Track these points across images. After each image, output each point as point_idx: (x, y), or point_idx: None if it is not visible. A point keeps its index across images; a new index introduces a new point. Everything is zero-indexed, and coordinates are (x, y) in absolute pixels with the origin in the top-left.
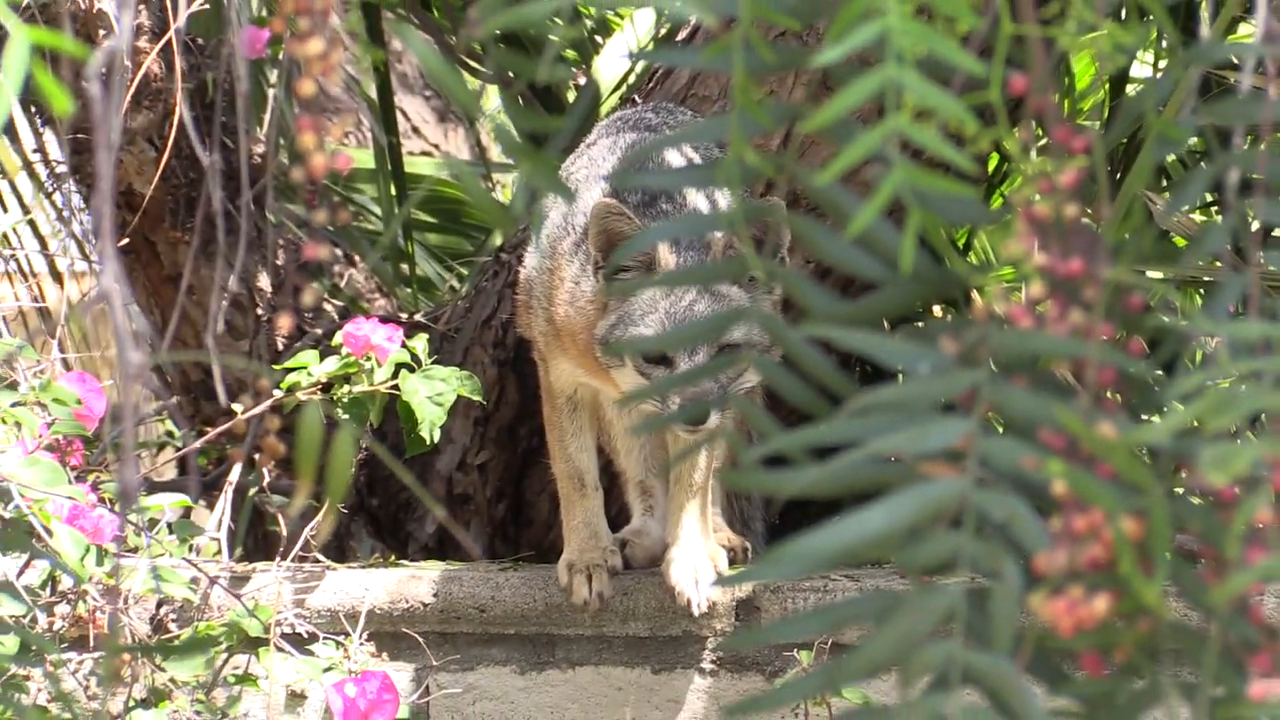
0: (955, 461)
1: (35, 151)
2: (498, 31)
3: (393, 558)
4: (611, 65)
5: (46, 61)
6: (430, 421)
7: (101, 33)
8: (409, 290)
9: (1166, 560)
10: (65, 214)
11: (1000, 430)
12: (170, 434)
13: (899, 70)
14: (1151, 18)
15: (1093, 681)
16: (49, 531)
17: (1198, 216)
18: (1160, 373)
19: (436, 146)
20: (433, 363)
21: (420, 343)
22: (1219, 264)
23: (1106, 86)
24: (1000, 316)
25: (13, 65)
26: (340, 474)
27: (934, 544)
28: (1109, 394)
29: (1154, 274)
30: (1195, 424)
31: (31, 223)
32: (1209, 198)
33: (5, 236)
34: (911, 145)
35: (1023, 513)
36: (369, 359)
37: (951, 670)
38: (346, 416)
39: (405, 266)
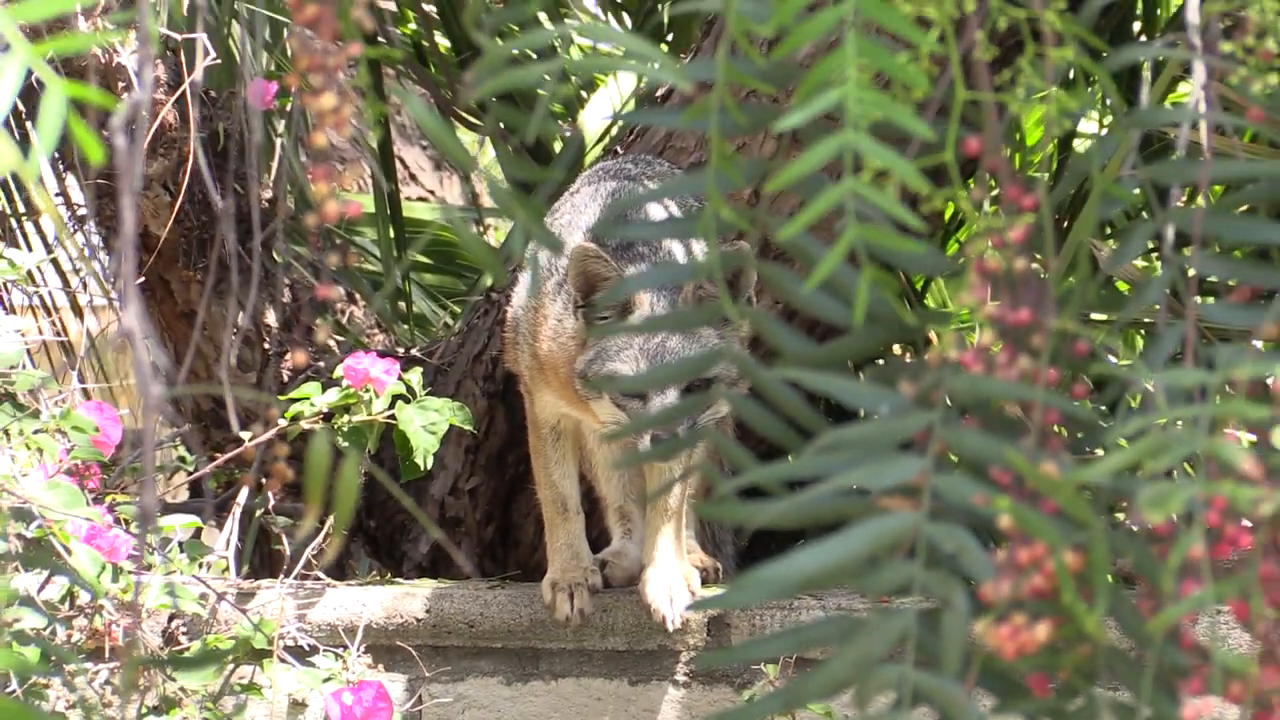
0: (911, 496)
1: (57, 194)
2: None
3: (389, 576)
4: (596, 119)
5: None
6: (424, 449)
7: (120, 84)
8: (406, 326)
9: (1107, 590)
10: (86, 253)
11: (955, 466)
12: (183, 459)
13: (855, 135)
14: (1096, 83)
15: (1038, 700)
16: (68, 550)
17: (1141, 263)
18: (1104, 412)
19: (432, 192)
20: (427, 394)
21: (415, 375)
22: (1158, 308)
23: (1055, 143)
24: (954, 361)
25: (49, 116)
26: (347, 499)
27: (890, 572)
28: (1057, 431)
29: (1100, 317)
30: (1134, 465)
31: (54, 260)
32: (1151, 245)
33: (30, 274)
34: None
35: (970, 545)
36: (368, 391)
37: (903, 690)
38: (348, 444)
39: (403, 304)
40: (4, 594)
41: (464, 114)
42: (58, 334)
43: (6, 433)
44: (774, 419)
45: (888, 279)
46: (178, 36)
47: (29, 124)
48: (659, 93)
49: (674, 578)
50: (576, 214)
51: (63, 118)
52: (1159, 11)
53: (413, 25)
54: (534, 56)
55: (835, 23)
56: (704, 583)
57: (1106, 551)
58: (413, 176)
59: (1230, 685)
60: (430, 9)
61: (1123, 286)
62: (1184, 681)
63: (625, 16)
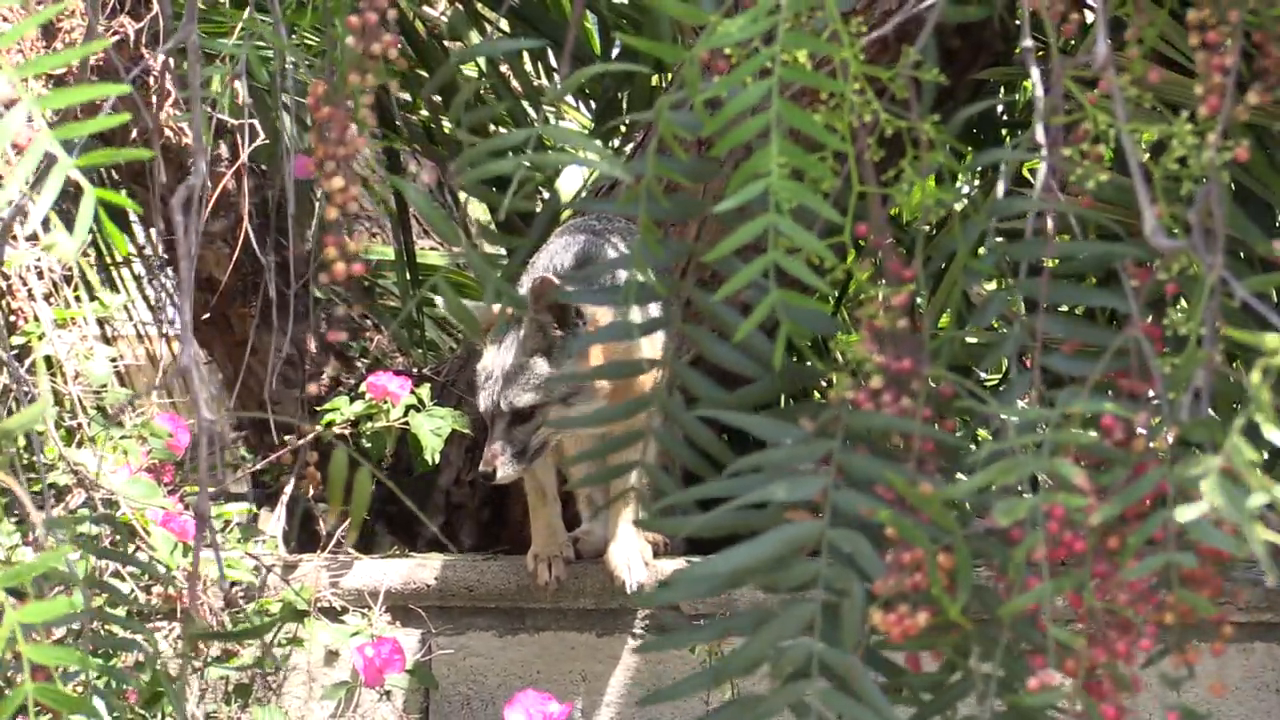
0: (811, 510)
1: (142, 247)
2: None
3: (405, 550)
4: (568, 185)
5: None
6: (432, 449)
7: (189, 160)
8: (419, 350)
9: (968, 585)
10: (162, 294)
11: (848, 485)
12: (243, 456)
13: (777, 217)
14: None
15: (919, 675)
16: (147, 532)
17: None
18: (967, 443)
19: (441, 244)
20: (434, 405)
21: (425, 390)
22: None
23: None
24: (850, 401)
25: (83, 216)
26: (361, 503)
27: (799, 569)
28: (931, 456)
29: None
30: (991, 484)
31: (144, 295)
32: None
33: (125, 307)
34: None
35: (865, 547)
36: (386, 402)
37: (812, 662)
38: (372, 448)
39: (417, 333)
40: (61, 605)
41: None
42: (149, 356)
43: (96, 439)
44: (690, 450)
45: (802, 330)
46: (235, 121)
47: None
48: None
49: (631, 551)
50: (549, 259)
51: (92, 216)
52: (1018, 97)
53: (423, 111)
54: (512, 152)
55: (761, 128)
56: (655, 554)
57: (968, 556)
58: (426, 232)
59: (1065, 661)
60: (437, 99)
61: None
62: (1033, 656)
63: (591, 103)
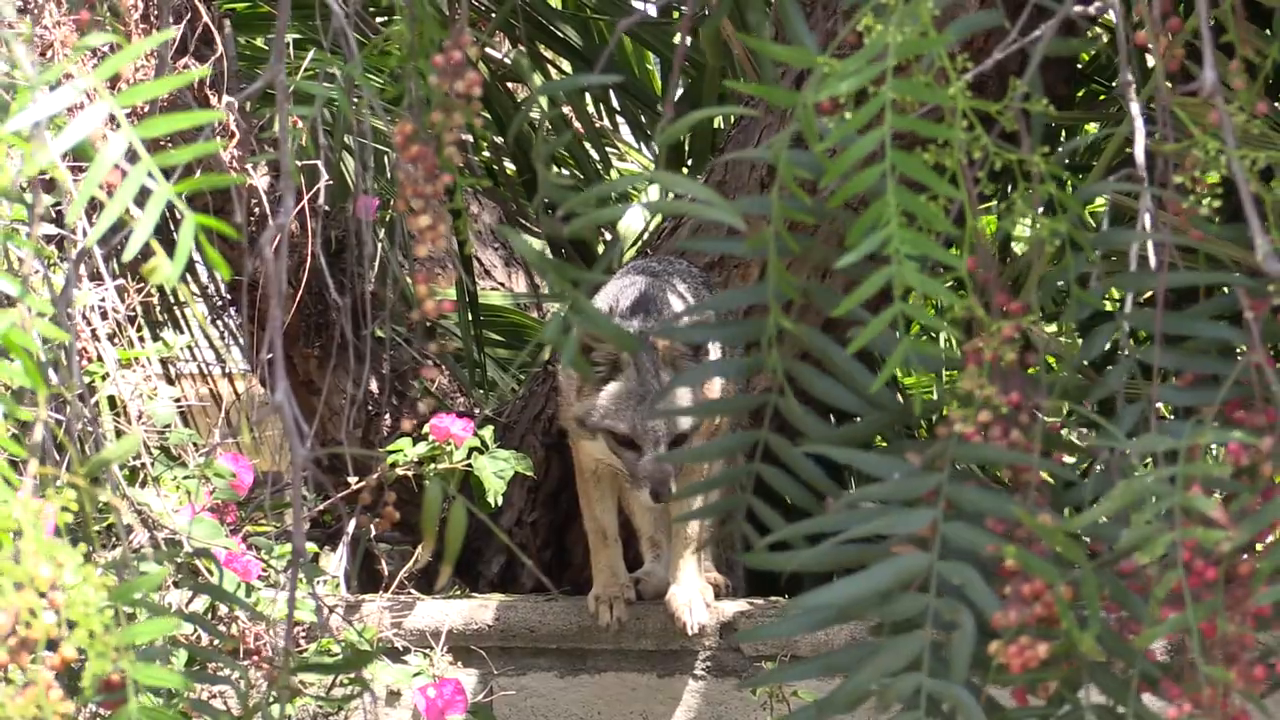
0: (919, 544)
1: (205, 287)
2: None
3: (466, 591)
4: (632, 223)
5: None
6: (495, 490)
7: (254, 201)
8: (481, 391)
9: (1097, 617)
10: (226, 334)
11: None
12: (305, 497)
13: (900, 268)
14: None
15: (1024, 710)
16: (210, 572)
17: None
18: (1077, 478)
19: (502, 284)
20: (497, 446)
21: (488, 431)
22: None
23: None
24: (958, 434)
25: (184, 240)
26: (455, 537)
27: (908, 602)
28: (1042, 491)
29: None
30: (1107, 516)
31: (206, 336)
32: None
33: (189, 347)
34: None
35: (975, 579)
36: (449, 444)
37: (920, 695)
38: (452, 491)
39: (479, 373)
40: (170, 623)
41: (526, 224)
42: (212, 395)
43: (159, 479)
44: (799, 487)
45: (923, 372)
46: (300, 163)
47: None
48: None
49: (693, 593)
50: (607, 298)
51: (193, 240)
52: (1078, 138)
53: (486, 153)
54: (614, 181)
55: (877, 178)
56: (717, 597)
57: (1096, 586)
58: (487, 272)
59: (1203, 691)
60: (500, 140)
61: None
62: (1156, 687)
63: (654, 145)
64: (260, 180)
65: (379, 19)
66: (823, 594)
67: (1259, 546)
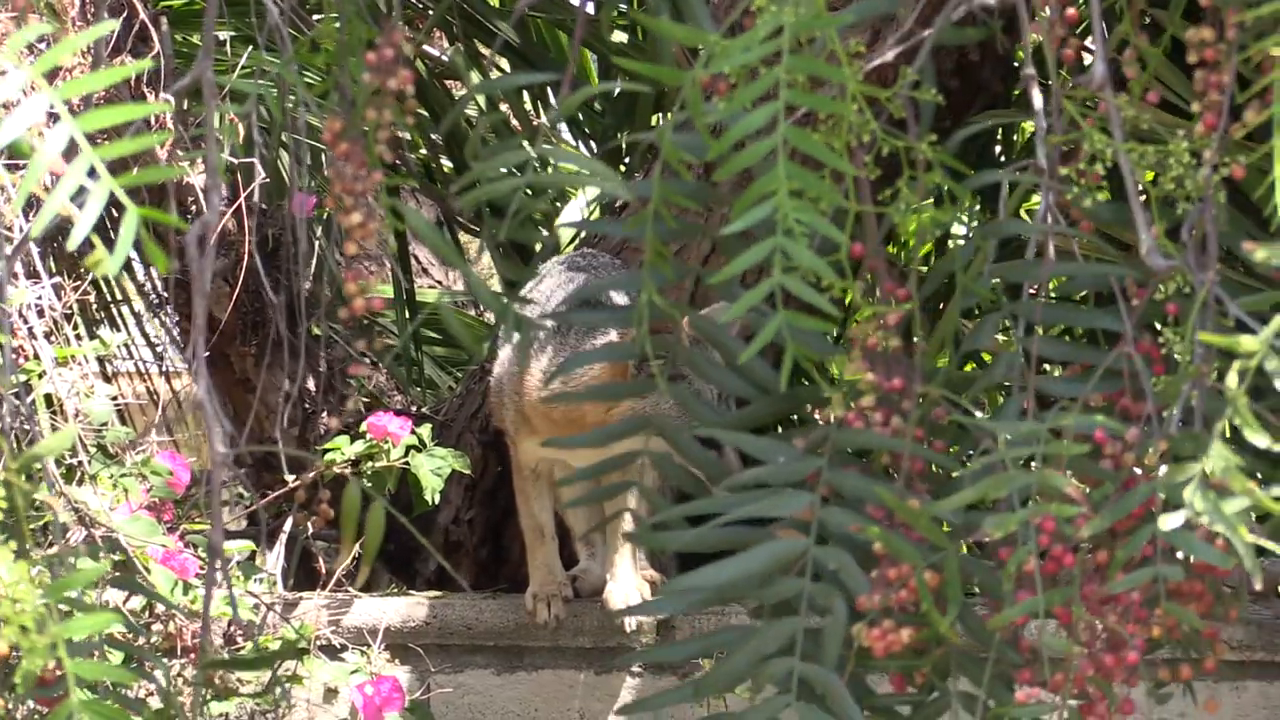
0: (800, 528)
1: (142, 285)
2: (485, 202)
3: (404, 589)
4: (563, 224)
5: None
6: (432, 488)
7: (190, 199)
8: (418, 389)
9: (958, 601)
10: (164, 332)
11: (836, 502)
12: (241, 495)
13: (785, 240)
14: (959, 200)
15: (895, 696)
16: (147, 570)
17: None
18: (960, 464)
19: (440, 282)
20: (435, 444)
21: (425, 430)
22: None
23: (931, 244)
24: (841, 419)
25: (126, 232)
26: (375, 536)
27: (785, 585)
28: (921, 476)
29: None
30: (980, 502)
31: (144, 333)
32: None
33: (128, 345)
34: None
35: (850, 564)
36: (387, 442)
37: (791, 679)
38: (372, 487)
39: (416, 371)
40: (106, 619)
41: (464, 222)
42: (149, 393)
43: (96, 477)
44: (685, 471)
45: (806, 351)
46: (235, 160)
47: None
48: (618, 204)
49: (630, 589)
50: (548, 295)
51: (135, 233)
52: (1015, 137)
53: (423, 150)
54: (517, 173)
55: (767, 151)
56: (653, 593)
57: (958, 570)
58: (425, 270)
59: (1052, 677)
60: (436, 138)
61: (986, 356)
62: (1017, 674)
63: (592, 143)
64: (197, 178)
65: (316, 16)
66: (700, 576)
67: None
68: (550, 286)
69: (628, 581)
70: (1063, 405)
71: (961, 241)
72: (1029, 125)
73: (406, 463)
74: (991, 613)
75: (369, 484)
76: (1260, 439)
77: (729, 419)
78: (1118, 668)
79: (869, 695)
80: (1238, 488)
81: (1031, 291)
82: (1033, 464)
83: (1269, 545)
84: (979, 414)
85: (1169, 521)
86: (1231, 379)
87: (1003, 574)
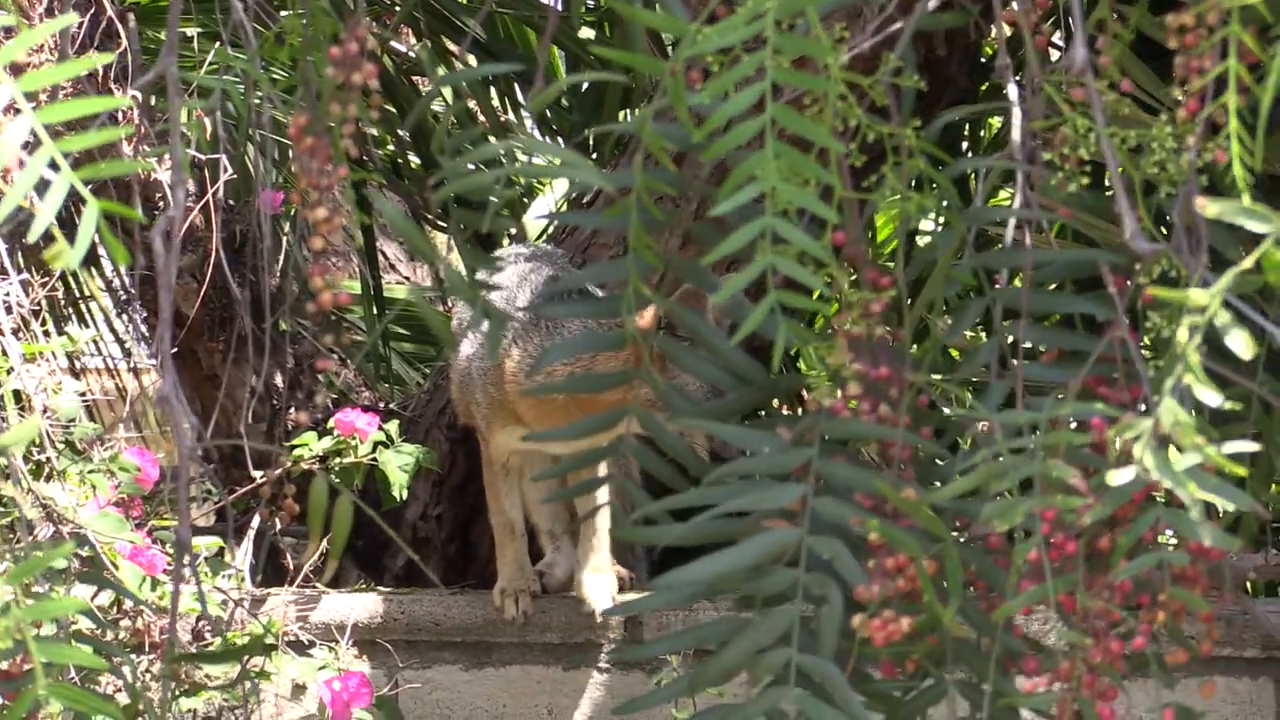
0: (790, 519)
1: (110, 281)
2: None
3: (372, 585)
4: (537, 219)
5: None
6: (400, 484)
7: (158, 195)
8: (386, 385)
9: (959, 591)
10: (131, 329)
11: (825, 493)
12: (209, 491)
13: (775, 220)
14: (938, 187)
15: (890, 682)
16: (115, 566)
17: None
18: (945, 453)
19: (407, 278)
20: (402, 440)
21: (393, 426)
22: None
23: (896, 240)
24: (827, 408)
25: (86, 226)
26: (342, 530)
27: (778, 576)
28: (908, 465)
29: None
30: (974, 489)
31: (112, 329)
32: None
33: (95, 342)
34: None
35: (844, 553)
36: (354, 438)
37: (789, 670)
38: (340, 483)
39: (384, 367)
40: (72, 605)
41: (432, 217)
42: (118, 389)
43: (64, 473)
44: (666, 463)
45: (800, 332)
46: (203, 156)
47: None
48: (586, 198)
49: (601, 581)
50: (519, 285)
51: (95, 227)
52: (982, 131)
53: (390, 146)
54: (485, 168)
55: (755, 131)
56: (621, 589)
57: (958, 560)
58: (392, 266)
59: (1059, 665)
60: (404, 134)
61: (953, 352)
62: (1019, 663)
63: (560, 140)
64: (163, 174)
65: (282, 11)
66: (691, 570)
67: None
68: (514, 276)
69: (599, 574)
70: (1058, 395)
71: (929, 234)
72: (995, 121)
73: (374, 459)
74: (983, 599)
75: (336, 480)
76: (1211, 396)
77: (707, 409)
78: (1121, 654)
79: (866, 682)
80: (1187, 443)
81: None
82: (1028, 453)
83: (1220, 502)
84: (955, 401)
85: (1118, 478)
86: (1181, 333)
87: (1012, 565)
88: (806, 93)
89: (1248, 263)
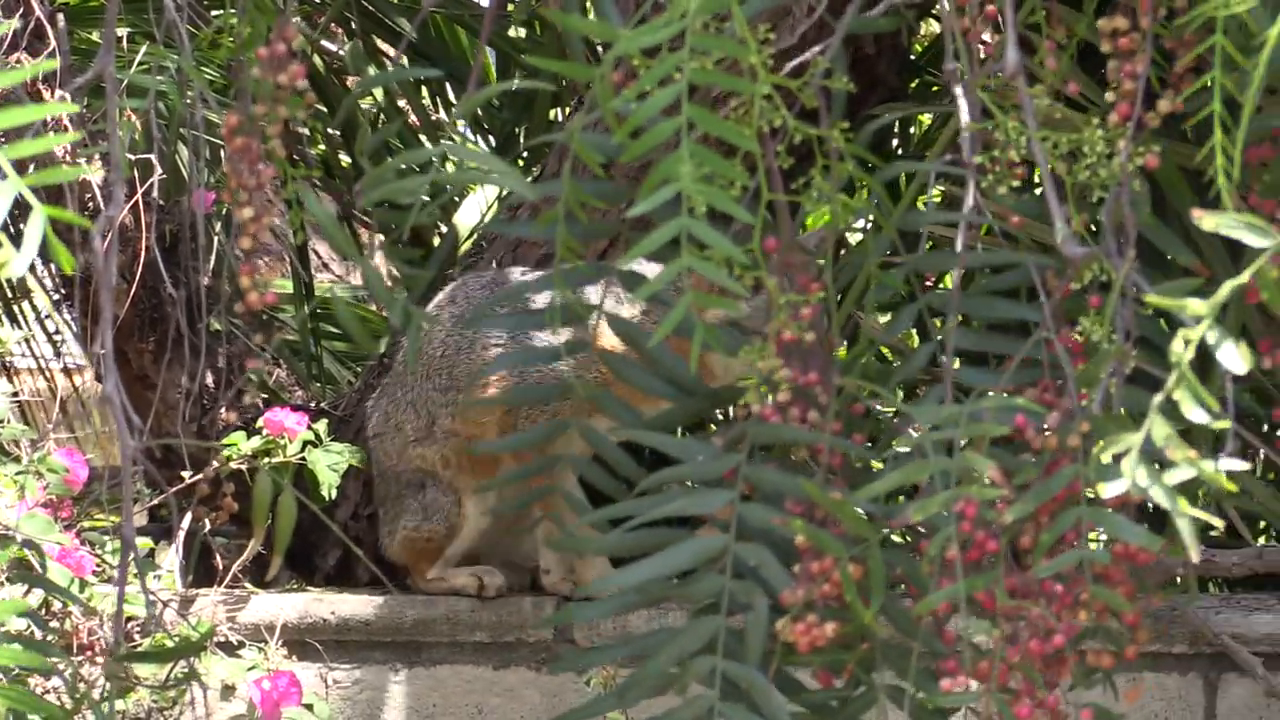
0: (727, 526)
1: (41, 282)
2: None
3: (302, 584)
4: (468, 217)
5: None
6: (329, 484)
7: (88, 196)
8: (318, 384)
9: (881, 592)
10: (65, 327)
11: (756, 499)
12: (140, 491)
13: (690, 220)
14: (869, 190)
15: (823, 691)
16: (44, 567)
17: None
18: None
19: (340, 277)
20: (332, 440)
21: (323, 425)
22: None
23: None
24: (757, 415)
25: (33, 232)
26: (285, 526)
27: (706, 583)
28: (839, 471)
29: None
30: (900, 491)
31: (45, 329)
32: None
33: (26, 340)
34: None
35: (770, 560)
36: (284, 438)
37: (715, 678)
38: (281, 482)
39: (315, 366)
40: (14, 606)
41: (362, 216)
42: (50, 390)
43: None
44: (605, 472)
45: (717, 337)
46: (134, 156)
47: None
48: (519, 204)
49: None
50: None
51: (42, 233)
52: (913, 130)
53: (322, 145)
54: (416, 170)
55: (671, 132)
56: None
57: (881, 562)
58: (325, 265)
59: (978, 665)
60: (335, 133)
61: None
62: (942, 664)
63: (490, 138)
64: (95, 175)
65: (214, 11)
66: (621, 576)
67: None
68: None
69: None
70: (980, 393)
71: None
72: (925, 119)
73: (304, 458)
74: (914, 602)
75: (279, 478)
76: (1200, 414)
77: (649, 420)
78: (1043, 654)
79: (799, 690)
80: (1179, 458)
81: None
82: (953, 450)
83: (1208, 518)
84: (886, 406)
85: (1109, 490)
86: (1177, 345)
87: (924, 558)
88: (733, 94)
89: (1244, 277)
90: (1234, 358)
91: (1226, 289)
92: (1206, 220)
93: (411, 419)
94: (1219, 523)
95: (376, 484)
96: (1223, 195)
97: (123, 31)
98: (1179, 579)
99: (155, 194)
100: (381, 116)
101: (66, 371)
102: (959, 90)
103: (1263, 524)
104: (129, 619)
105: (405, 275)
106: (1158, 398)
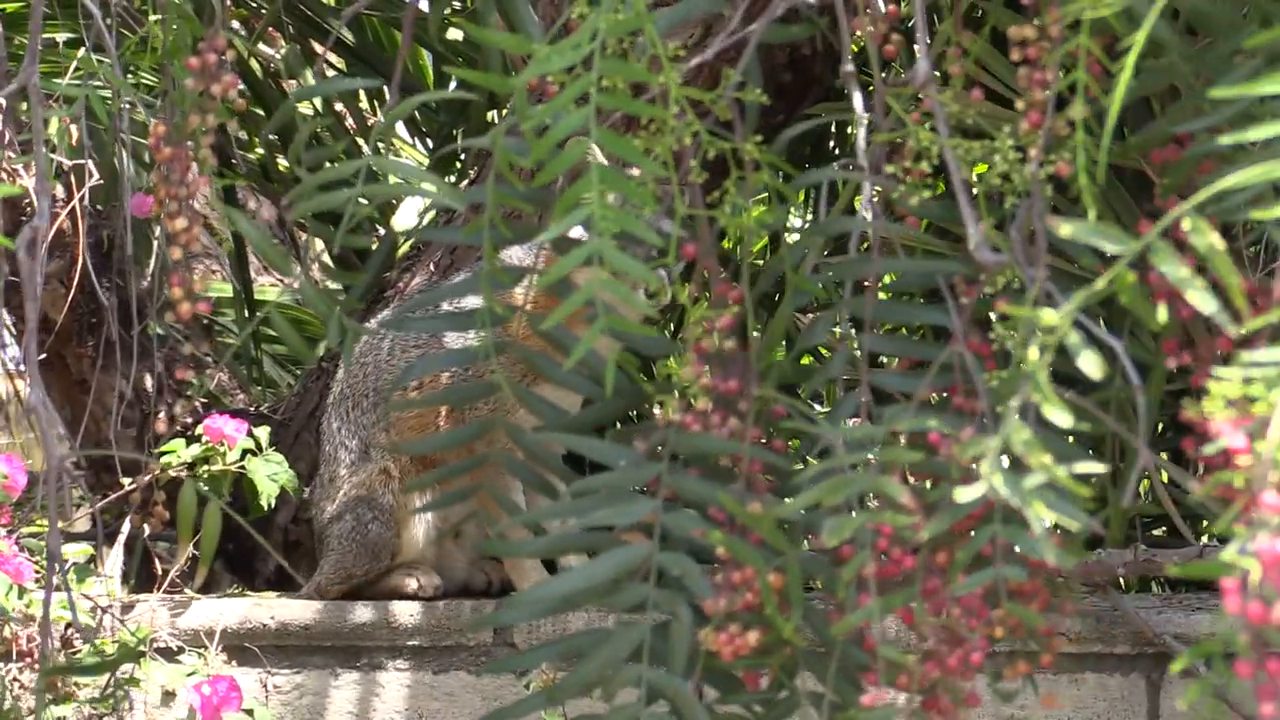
0: (646, 532)
1: None
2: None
3: (243, 589)
4: (405, 220)
5: None
6: (268, 493)
7: (25, 202)
8: (259, 388)
9: (800, 603)
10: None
11: (681, 506)
12: (82, 498)
13: (602, 243)
14: (786, 200)
15: (751, 692)
16: None
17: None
18: (800, 463)
19: (281, 280)
20: (273, 445)
21: (263, 432)
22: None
23: (765, 241)
24: (678, 423)
25: None
26: (211, 538)
27: (630, 592)
28: (762, 478)
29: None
30: (820, 503)
31: None
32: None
33: None
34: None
35: (693, 569)
36: (223, 445)
37: (640, 685)
38: (210, 491)
39: (256, 370)
40: None
41: (303, 222)
42: None
43: None
44: (531, 473)
45: (629, 357)
46: (69, 162)
47: None
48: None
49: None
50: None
51: None
52: (850, 129)
53: (260, 150)
54: (348, 181)
55: (581, 154)
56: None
57: (799, 573)
58: (265, 268)
59: (898, 676)
60: (273, 138)
61: (824, 351)
62: (863, 674)
63: (429, 141)
64: (30, 181)
65: (152, 16)
66: (549, 585)
67: None
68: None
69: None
70: (899, 400)
71: (795, 238)
72: None
73: (243, 467)
74: (833, 608)
75: (205, 488)
76: (1061, 417)
77: (573, 419)
78: (961, 667)
79: (737, 689)
80: (1035, 463)
81: (863, 287)
82: (865, 467)
83: (1065, 522)
84: (818, 408)
85: (965, 495)
86: (1032, 352)
87: (840, 578)
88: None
89: (1100, 283)
90: (1091, 364)
91: (1078, 297)
92: (1062, 228)
93: (345, 457)
94: (1075, 525)
95: (317, 544)
96: (1085, 197)
97: (60, 37)
98: (1120, 580)
99: (90, 199)
100: (319, 120)
101: (8, 375)
102: (856, 94)
103: (1204, 523)
104: (68, 625)
105: (340, 277)
106: (1013, 403)
